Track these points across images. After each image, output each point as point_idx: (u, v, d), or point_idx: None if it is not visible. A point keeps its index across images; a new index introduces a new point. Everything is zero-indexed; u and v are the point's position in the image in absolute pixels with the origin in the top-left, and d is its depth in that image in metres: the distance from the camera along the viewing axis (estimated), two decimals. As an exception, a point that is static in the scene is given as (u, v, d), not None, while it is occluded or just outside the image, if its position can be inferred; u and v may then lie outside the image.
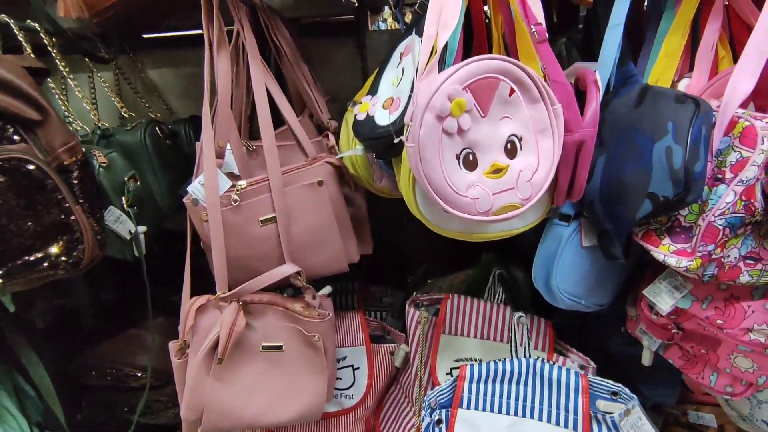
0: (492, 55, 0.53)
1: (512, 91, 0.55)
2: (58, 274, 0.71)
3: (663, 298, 0.67)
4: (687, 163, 0.54)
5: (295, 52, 0.85)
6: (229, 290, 0.74)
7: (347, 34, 1.14)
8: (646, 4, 0.77)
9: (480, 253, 0.98)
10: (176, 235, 0.87)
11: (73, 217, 0.70)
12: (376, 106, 0.67)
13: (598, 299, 0.75)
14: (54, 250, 0.70)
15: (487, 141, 0.55)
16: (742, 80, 0.57)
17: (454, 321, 0.87)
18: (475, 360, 0.86)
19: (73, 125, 0.91)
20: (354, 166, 0.77)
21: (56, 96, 0.90)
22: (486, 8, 0.74)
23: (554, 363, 0.75)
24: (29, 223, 0.68)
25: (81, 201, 0.72)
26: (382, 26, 1.29)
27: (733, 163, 0.56)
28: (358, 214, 0.86)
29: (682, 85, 0.69)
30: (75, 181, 0.72)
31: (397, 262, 1.15)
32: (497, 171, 0.56)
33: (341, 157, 0.78)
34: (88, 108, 0.95)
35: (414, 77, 0.60)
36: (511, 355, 0.83)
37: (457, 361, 0.86)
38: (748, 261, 0.59)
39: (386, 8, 1.24)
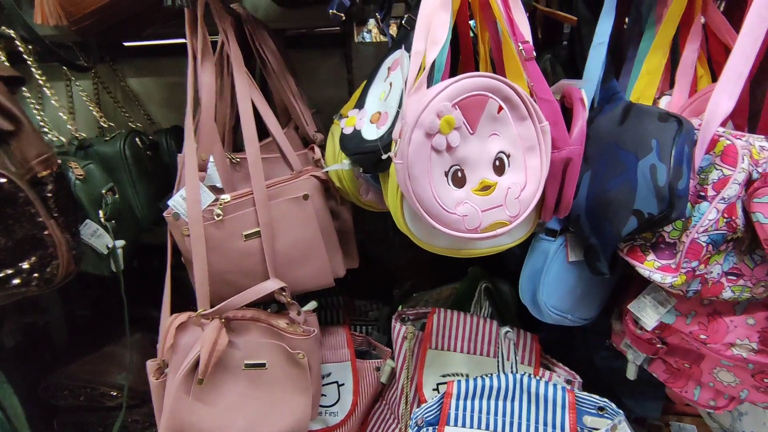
0: (481, 73, 0.53)
1: (501, 108, 0.55)
2: (31, 291, 0.69)
3: (648, 313, 0.68)
4: (671, 180, 0.55)
5: (281, 64, 0.84)
6: (211, 307, 0.72)
7: (333, 45, 1.14)
8: (626, 22, 0.79)
9: (466, 267, 0.97)
10: (155, 250, 0.85)
11: (46, 232, 0.67)
12: (363, 121, 0.66)
13: (583, 314, 0.75)
14: (26, 266, 0.67)
15: (475, 158, 0.55)
16: (723, 100, 0.58)
17: (440, 335, 0.87)
18: (462, 375, 0.85)
19: (49, 135, 0.88)
20: (340, 179, 0.76)
21: (31, 105, 0.87)
22: (472, 23, 0.75)
23: (541, 378, 0.75)
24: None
25: (55, 215, 0.70)
26: (367, 38, 1.29)
27: (715, 180, 0.57)
28: (344, 228, 0.85)
29: (663, 103, 0.71)
30: (49, 195, 0.70)
31: (383, 276, 1.14)
32: (486, 188, 0.55)
33: (327, 171, 0.77)
34: (65, 118, 0.92)
35: (402, 92, 0.59)
36: (498, 370, 0.83)
37: (443, 376, 0.86)
38: (730, 277, 0.60)
39: (371, 20, 1.24)
